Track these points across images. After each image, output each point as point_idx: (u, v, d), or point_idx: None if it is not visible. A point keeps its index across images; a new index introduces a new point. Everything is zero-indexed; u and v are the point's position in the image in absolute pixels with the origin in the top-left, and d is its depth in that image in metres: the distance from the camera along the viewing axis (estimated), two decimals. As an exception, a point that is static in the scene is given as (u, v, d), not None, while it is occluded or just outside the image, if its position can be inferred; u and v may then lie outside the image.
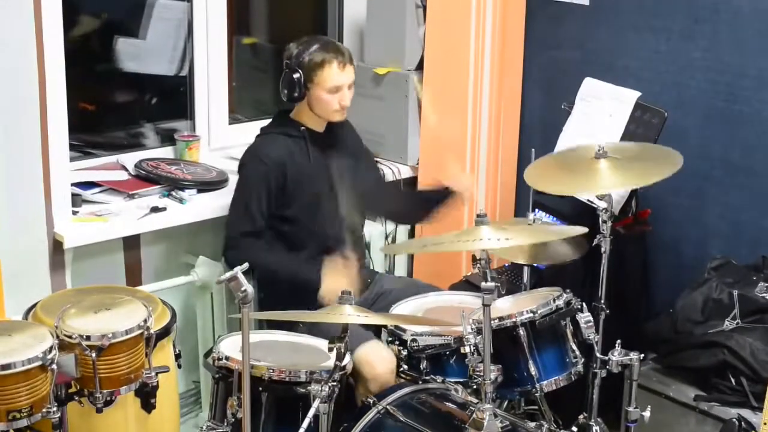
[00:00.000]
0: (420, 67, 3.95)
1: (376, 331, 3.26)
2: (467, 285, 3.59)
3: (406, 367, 2.92)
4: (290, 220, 3.26)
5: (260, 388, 2.67)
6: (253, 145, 3.33)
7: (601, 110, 3.45)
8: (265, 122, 3.44)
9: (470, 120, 3.91)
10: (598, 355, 2.89)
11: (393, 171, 3.97)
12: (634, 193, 3.37)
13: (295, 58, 3.19)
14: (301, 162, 3.25)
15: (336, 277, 3.07)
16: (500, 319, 2.80)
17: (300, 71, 3.17)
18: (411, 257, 4.05)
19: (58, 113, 3.12)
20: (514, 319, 2.81)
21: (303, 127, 3.27)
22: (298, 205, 3.25)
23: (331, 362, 2.57)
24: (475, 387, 2.70)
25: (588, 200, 3.26)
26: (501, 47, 3.93)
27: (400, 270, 4.07)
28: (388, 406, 2.65)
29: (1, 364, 2.31)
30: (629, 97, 3.39)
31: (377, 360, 2.93)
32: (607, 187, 2.85)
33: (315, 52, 3.18)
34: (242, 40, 4.20)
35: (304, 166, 3.25)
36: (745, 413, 2.96)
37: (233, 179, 3.65)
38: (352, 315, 2.52)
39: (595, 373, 2.91)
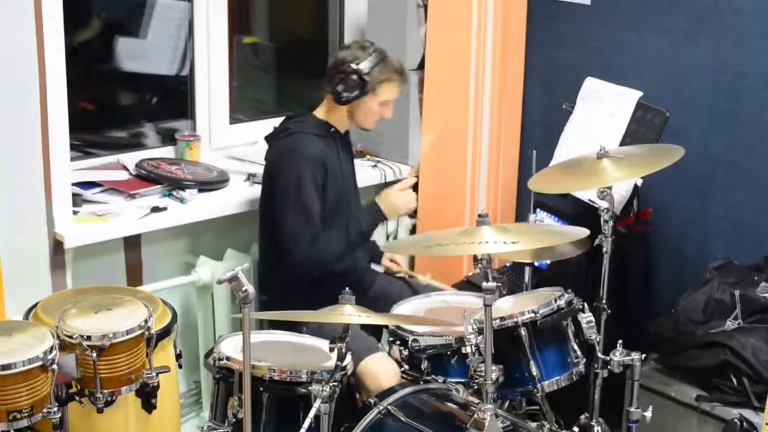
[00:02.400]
0: (421, 66, 3.95)
1: (377, 331, 3.27)
2: (469, 285, 3.59)
3: (407, 367, 2.91)
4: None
5: (261, 389, 2.66)
6: (287, 145, 3.24)
7: (602, 110, 3.45)
8: (266, 122, 3.43)
9: (471, 120, 3.90)
10: (599, 355, 2.88)
11: (394, 171, 3.97)
12: (635, 193, 3.37)
13: (362, 64, 3.18)
14: (334, 161, 3.25)
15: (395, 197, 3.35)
16: (502, 319, 2.80)
17: (365, 79, 3.18)
18: (412, 257, 4.05)
19: (59, 113, 3.11)
20: (515, 319, 2.81)
21: (333, 128, 3.27)
22: (329, 204, 3.23)
23: (332, 362, 2.57)
24: (476, 387, 2.69)
25: (589, 200, 3.26)
26: (502, 47, 3.92)
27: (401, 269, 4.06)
28: (389, 407, 2.65)
29: (1, 364, 2.31)
30: (631, 96, 3.39)
31: (382, 374, 2.94)
32: (613, 179, 2.84)
33: (385, 67, 3.22)
34: (243, 40, 4.20)
35: (336, 165, 3.26)
36: (747, 413, 2.96)
37: (235, 179, 3.66)
38: (352, 315, 2.52)
39: (596, 374, 2.91)
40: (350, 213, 3.33)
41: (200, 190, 3.53)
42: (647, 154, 2.99)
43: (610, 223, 2.88)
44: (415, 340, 2.88)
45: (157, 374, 2.61)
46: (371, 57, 3.20)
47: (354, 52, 3.21)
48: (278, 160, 3.24)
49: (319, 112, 3.30)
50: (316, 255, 3.14)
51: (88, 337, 2.45)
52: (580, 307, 2.90)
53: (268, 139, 3.34)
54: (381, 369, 2.95)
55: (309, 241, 3.13)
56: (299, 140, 3.22)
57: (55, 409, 2.39)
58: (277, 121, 3.40)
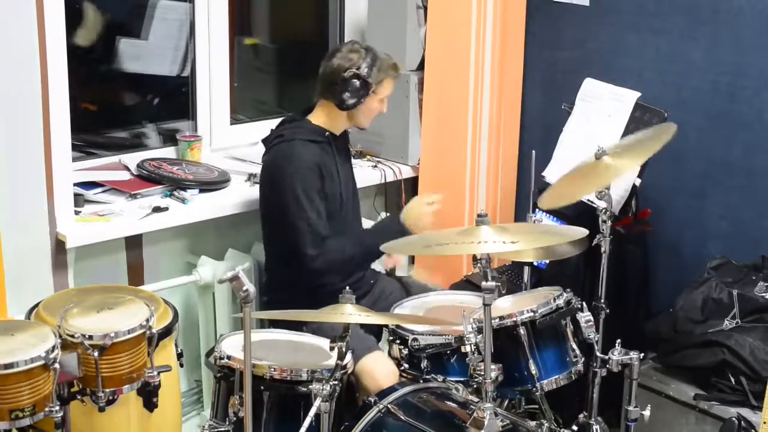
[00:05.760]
0: (421, 67, 3.96)
1: (377, 331, 3.28)
2: (468, 284, 3.60)
3: (407, 366, 2.92)
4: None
5: (262, 387, 2.67)
6: (283, 153, 3.21)
7: (601, 110, 3.46)
8: (267, 122, 3.43)
9: (471, 120, 3.91)
10: (598, 354, 2.89)
11: (394, 171, 3.98)
12: (634, 193, 3.38)
13: (361, 68, 3.17)
14: (330, 166, 3.24)
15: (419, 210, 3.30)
16: (501, 318, 2.81)
17: (368, 81, 3.18)
18: (412, 257, 4.06)
19: (61, 113, 3.12)
20: (514, 319, 2.82)
21: (328, 133, 3.26)
22: (329, 209, 3.22)
23: (332, 361, 2.58)
24: (475, 386, 2.70)
25: (588, 200, 3.27)
26: (501, 48, 3.94)
27: (401, 270, 4.08)
28: (389, 405, 2.66)
29: (3, 363, 2.32)
30: (629, 97, 3.40)
31: (380, 373, 2.94)
32: (619, 170, 2.86)
33: (382, 66, 3.22)
34: (244, 41, 4.21)
35: (333, 170, 3.25)
36: (745, 412, 2.96)
37: (236, 179, 3.67)
38: (353, 314, 2.53)
39: (595, 372, 2.91)
40: (350, 215, 3.32)
41: (201, 191, 3.54)
42: (642, 140, 3.00)
43: (609, 223, 2.89)
44: (414, 339, 2.89)
45: (159, 373, 2.61)
46: (366, 59, 3.20)
47: (348, 57, 3.20)
48: (276, 168, 3.21)
49: (314, 118, 3.27)
50: (328, 258, 3.14)
51: (90, 337, 2.46)
52: (579, 306, 2.91)
53: (264, 142, 3.33)
54: (379, 368, 2.95)
55: (318, 247, 3.12)
56: (295, 147, 3.20)
57: (57, 407, 2.40)
58: (277, 122, 3.41)
